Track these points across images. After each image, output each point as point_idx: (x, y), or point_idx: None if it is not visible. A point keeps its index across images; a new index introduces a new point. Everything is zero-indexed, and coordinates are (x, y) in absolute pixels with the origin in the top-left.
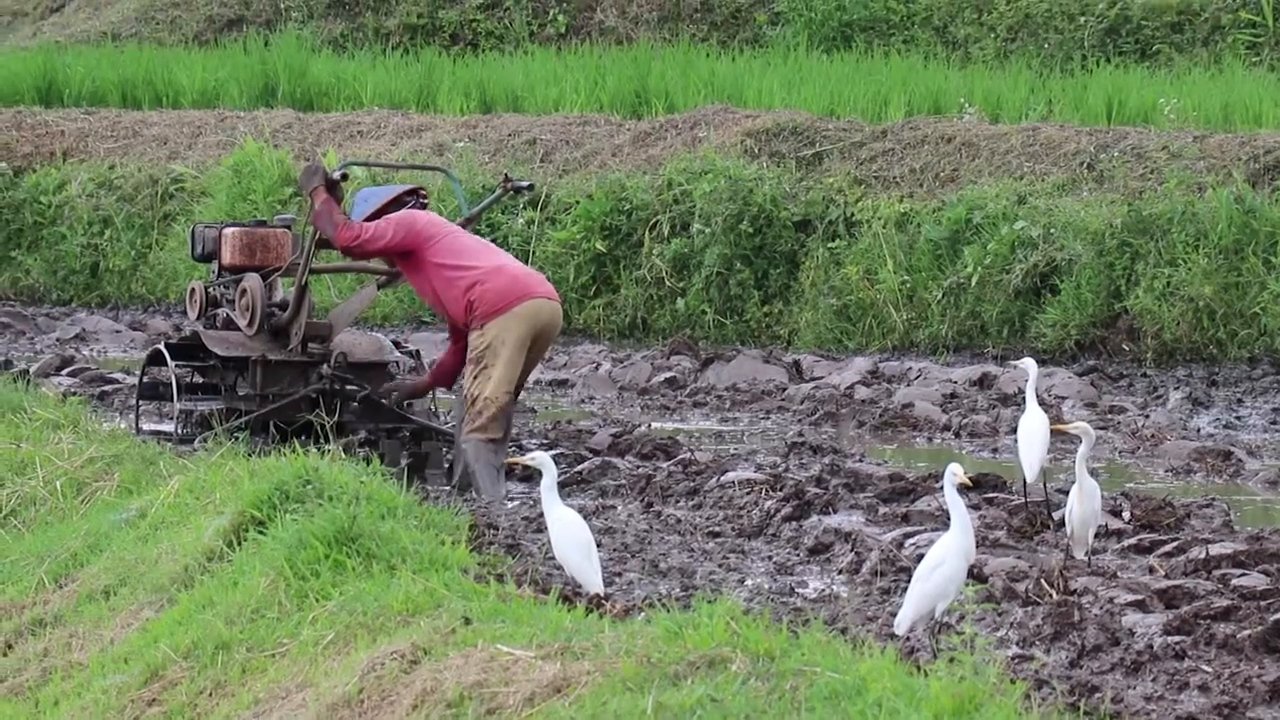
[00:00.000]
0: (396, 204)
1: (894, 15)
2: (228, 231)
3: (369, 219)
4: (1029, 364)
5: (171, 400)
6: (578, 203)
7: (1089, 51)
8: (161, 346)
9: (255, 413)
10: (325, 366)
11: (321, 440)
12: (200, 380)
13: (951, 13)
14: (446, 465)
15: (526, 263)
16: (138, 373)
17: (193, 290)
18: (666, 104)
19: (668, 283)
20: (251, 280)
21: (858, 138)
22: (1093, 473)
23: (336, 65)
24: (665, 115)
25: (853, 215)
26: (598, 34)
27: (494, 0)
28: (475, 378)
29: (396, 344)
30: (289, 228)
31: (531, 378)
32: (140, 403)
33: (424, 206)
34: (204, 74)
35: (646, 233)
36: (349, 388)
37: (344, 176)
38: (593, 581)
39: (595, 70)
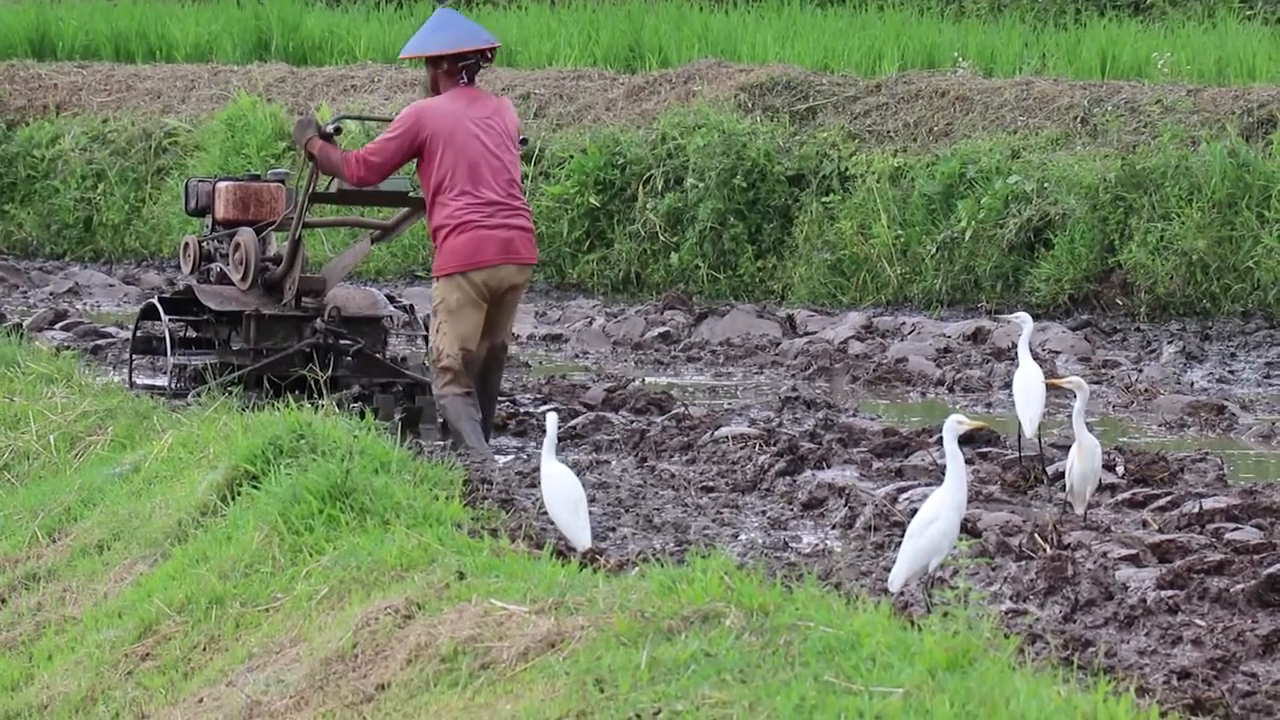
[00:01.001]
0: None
1: None
2: (221, 186)
3: (424, 56)
4: (1023, 318)
5: (165, 355)
6: (571, 157)
7: (1082, 5)
8: (155, 301)
9: (249, 367)
10: (319, 321)
11: (315, 395)
12: (194, 335)
13: None
14: (440, 420)
15: None
16: (131, 327)
17: (186, 244)
18: (660, 58)
19: (661, 237)
20: (245, 234)
21: (851, 92)
22: (1088, 428)
23: (330, 19)
24: (659, 70)
25: (846, 170)
26: None
27: None
28: (436, 330)
29: (390, 299)
30: (283, 182)
31: (523, 330)
32: (134, 357)
33: (482, 62)
34: (197, 28)
35: (640, 187)
36: (343, 342)
37: (337, 130)
38: (581, 538)
39: (589, 24)
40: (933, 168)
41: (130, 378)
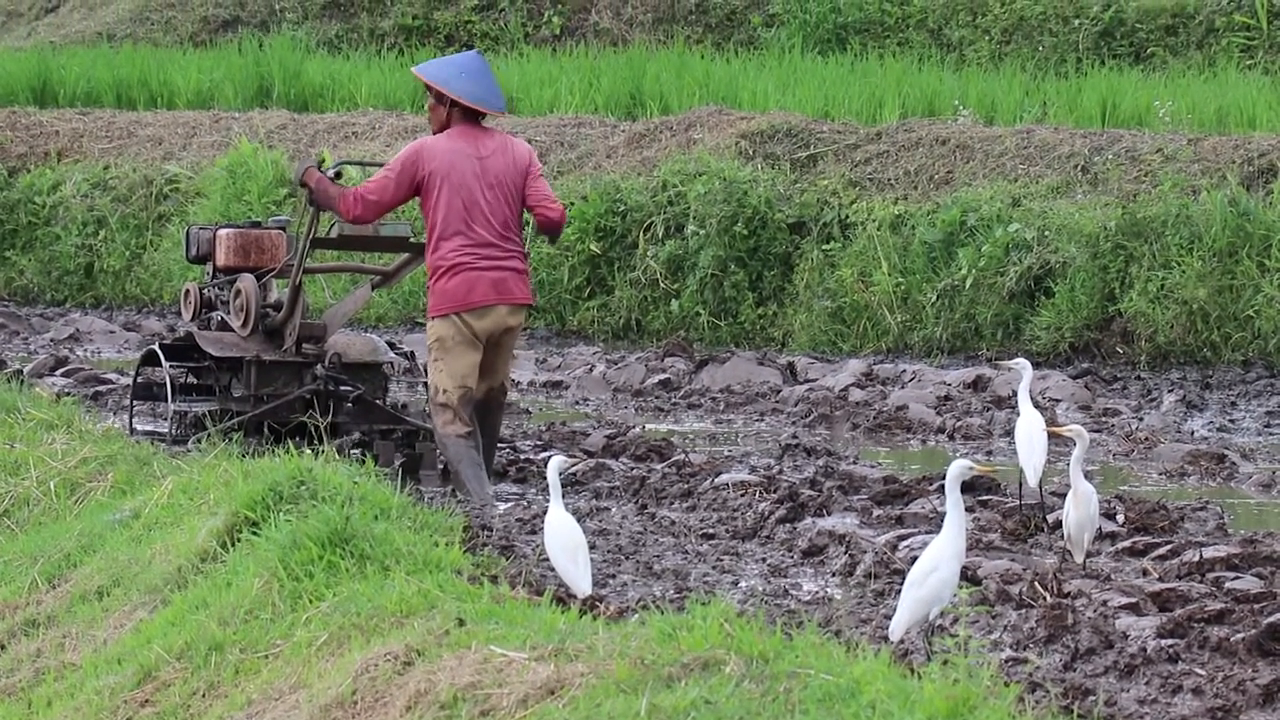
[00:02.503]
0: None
1: (889, 18)
2: (222, 233)
3: (432, 90)
4: (1023, 364)
5: (165, 401)
6: (572, 204)
7: (1083, 54)
8: (156, 347)
9: (249, 413)
10: (320, 367)
11: (315, 441)
12: (195, 381)
13: (946, 15)
14: (440, 466)
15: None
16: (131, 373)
17: (187, 291)
18: (661, 105)
19: (662, 284)
20: (246, 281)
21: (852, 140)
22: (1088, 476)
23: (331, 66)
24: (660, 117)
25: (847, 217)
26: (593, 35)
27: (489, 1)
28: (433, 369)
29: (390, 345)
30: (283, 229)
31: (523, 377)
32: (134, 403)
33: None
34: (199, 75)
35: (641, 234)
36: (343, 388)
37: (338, 175)
38: (579, 585)
39: (590, 72)
40: (933, 215)
41: (131, 424)
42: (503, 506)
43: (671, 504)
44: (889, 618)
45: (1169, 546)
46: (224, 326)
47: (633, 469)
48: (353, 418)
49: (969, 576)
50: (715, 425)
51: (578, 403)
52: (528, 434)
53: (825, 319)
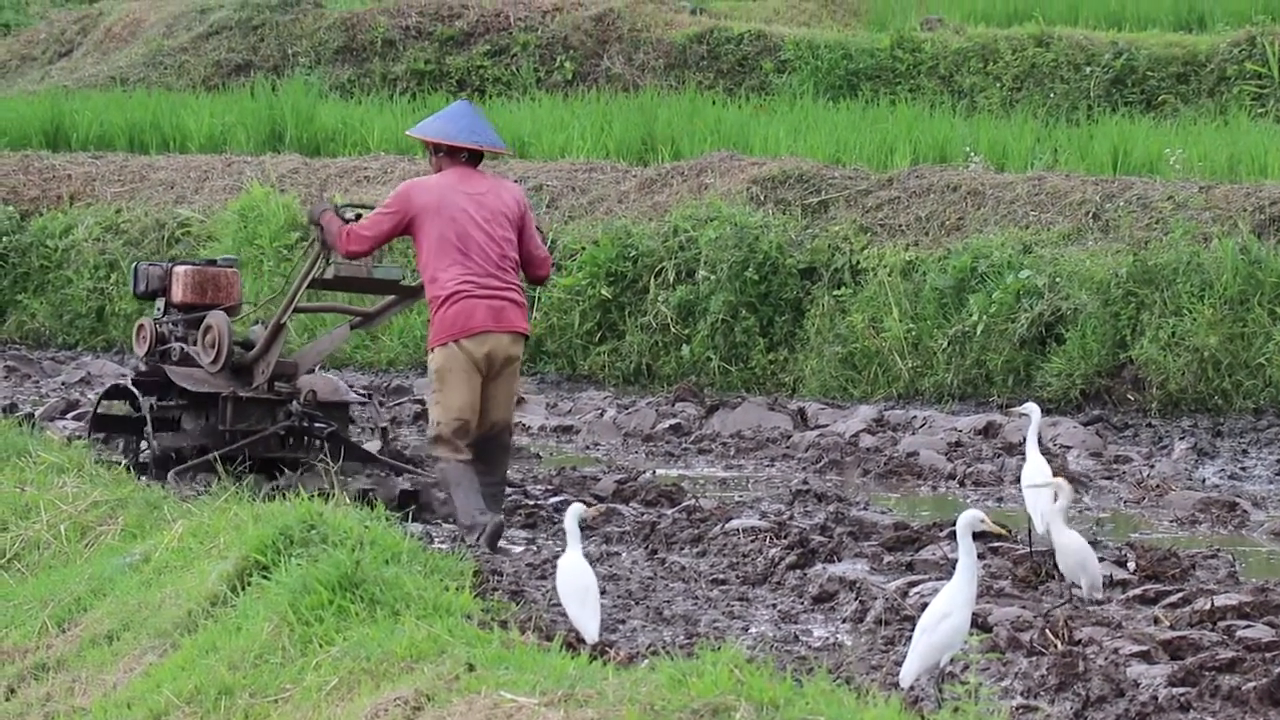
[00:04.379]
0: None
1: (900, 64)
2: (179, 269)
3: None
4: (1032, 409)
5: (126, 434)
6: (583, 249)
7: (1095, 101)
8: (128, 381)
9: (224, 448)
10: (295, 404)
11: (281, 476)
12: (158, 417)
13: (957, 62)
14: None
15: (532, 308)
16: (92, 408)
17: (141, 327)
18: (673, 151)
19: (673, 329)
20: (217, 317)
21: (863, 186)
22: (1098, 523)
23: (344, 110)
24: (671, 162)
25: (858, 263)
26: (604, 81)
27: (501, 47)
28: (432, 402)
29: (349, 386)
30: (235, 268)
31: (534, 421)
32: (95, 436)
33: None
34: (211, 119)
35: (652, 279)
36: (317, 425)
37: (358, 217)
38: (587, 629)
39: (602, 117)
40: (944, 262)
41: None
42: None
43: (682, 549)
44: (899, 664)
45: (1180, 594)
46: (184, 361)
47: (643, 514)
48: (330, 455)
49: (980, 623)
50: (726, 471)
51: (588, 447)
52: (538, 478)
53: (836, 364)
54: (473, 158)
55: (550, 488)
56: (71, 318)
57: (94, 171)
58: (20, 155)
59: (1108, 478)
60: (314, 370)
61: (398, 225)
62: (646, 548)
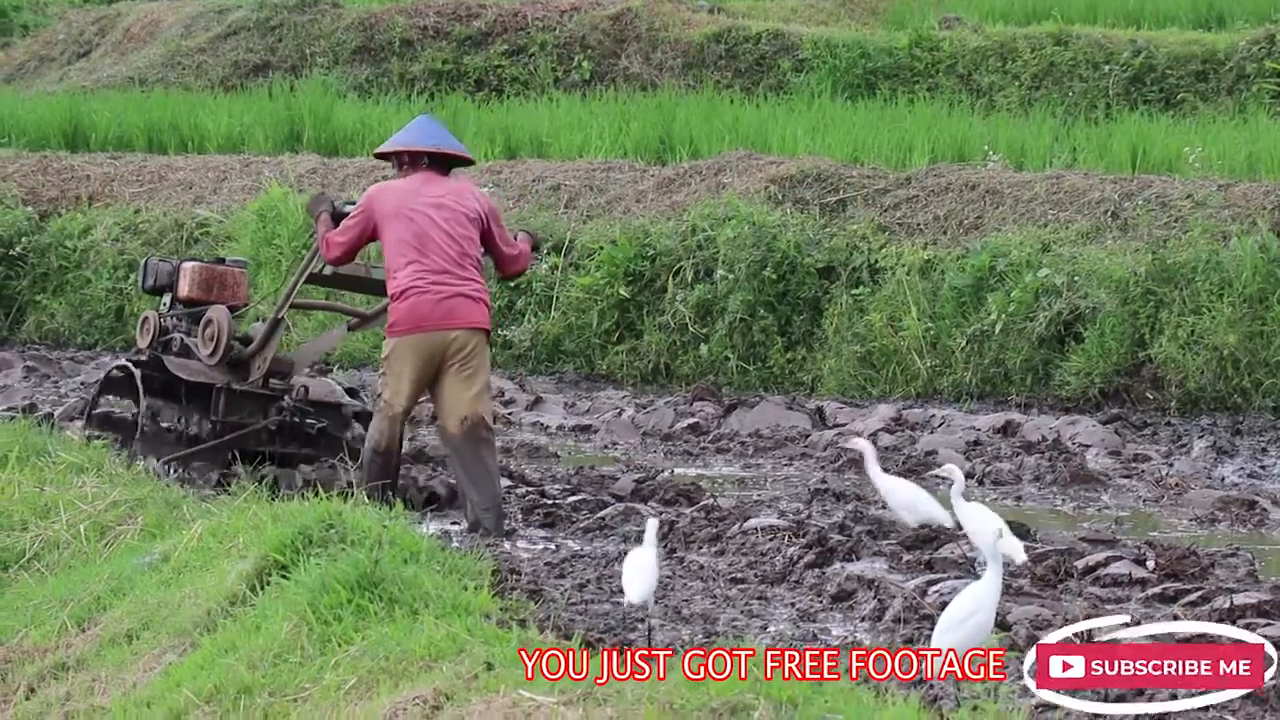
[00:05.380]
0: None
1: (918, 63)
2: (186, 266)
3: (390, 154)
4: (954, 470)
5: (122, 430)
6: (601, 248)
7: (1113, 100)
8: (129, 363)
9: (213, 442)
10: (286, 399)
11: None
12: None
13: (976, 61)
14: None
15: (550, 307)
16: (91, 395)
17: (146, 319)
18: (690, 150)
19: (691, 329)
20: (219, 312)
21: (881, 184)
22: (1117, 522)
23: (361, 111)
24: (689, 161)
25: (876, 262)
26: (622, 80)
27: (519, 47)
28: (380, 384)
29: (349, 391)
30: (244, 268)
31: (552, 421)
32: (91, 428)
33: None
34: (229, 119)
35: (670, 279)
36: (308, 421)
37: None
38: (631, 587)
39: (620, 116)
40: (963, 260)
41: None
42: (532, 549)
43: (700, 548)
44: None
45: (1200, 593)
46: (183, 354)
47: (661, 513)
48: (318, 450)
49: (999, 622)
50: (744, 470)
51: (606, 447)
52: (556, 478)
53: (854, 363)
54: (436, 165)
55: (568, 487)
56: (90, 318)
57: (112, 172)
58: (39, 156)
59: (1127, 476)
60: (312, 367)
61: (364, 230)
62: (665, 546)
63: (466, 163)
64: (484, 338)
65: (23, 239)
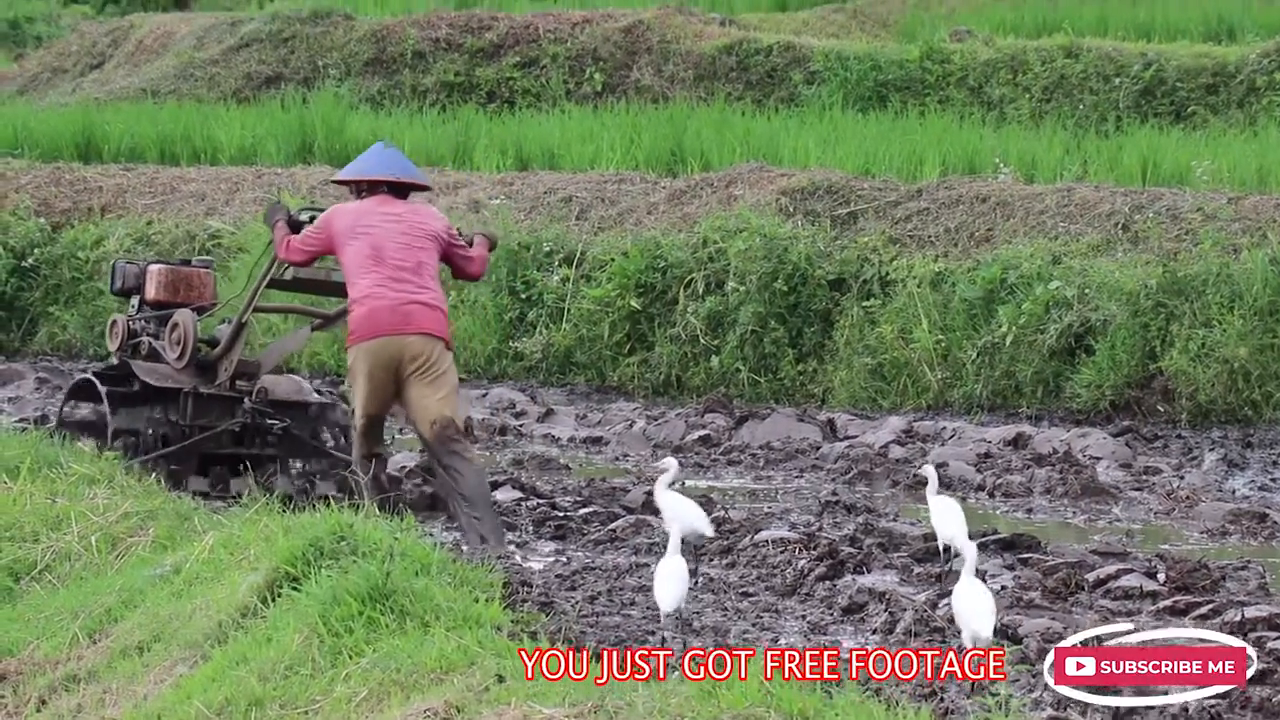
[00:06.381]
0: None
1: (929, 75)
2: (153, 268)
3: (351, 182)
4: (929, 470)
5: (95, 436)
6: (613, 260)
7: (1124, 113)
8: (91, 375)
9: (178, 445)
10: (246, 401)
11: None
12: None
13: (987, 73)
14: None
15: (561, 319)
16: (60, 404)
17: (114, 323)
18: (702, 162)
19: (702, 340)
20: (184, 315)
21: (892, 197)
22: (1128, 535)
23: (374, 122)
24: (700, 173)
25: (887, 274)
26: (634, 93)
27: (531, 59)
28: (351, 395)
29: (318, 390)
30: (210, 268)
31: (563, 433)
32: (64, 433)
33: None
34: (242, 131)
35: (681, 290)
36: (269, 422)
37: (312, 219)
38: (662, 599)
39: (631, 128)
40: (974, 273)
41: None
42: (545, 559)
43: (711, 560)
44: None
45: (1210, 606)
46: (151, 357)
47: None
48: (280, 451)
49: (1010, 635)
50: (755, 482)
51: (618, 458)
52: (567, 490)
53: (865, 376)
54: (394, 192)
55: (579, 499)
56: (102, 329)
57: (125, 183)
58: (51, 167)
59: (1137, 489)
60: (277, 368)
61: (322, 245)
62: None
63: (424, 189)
64: (443, 345)
65: (35, 250)
